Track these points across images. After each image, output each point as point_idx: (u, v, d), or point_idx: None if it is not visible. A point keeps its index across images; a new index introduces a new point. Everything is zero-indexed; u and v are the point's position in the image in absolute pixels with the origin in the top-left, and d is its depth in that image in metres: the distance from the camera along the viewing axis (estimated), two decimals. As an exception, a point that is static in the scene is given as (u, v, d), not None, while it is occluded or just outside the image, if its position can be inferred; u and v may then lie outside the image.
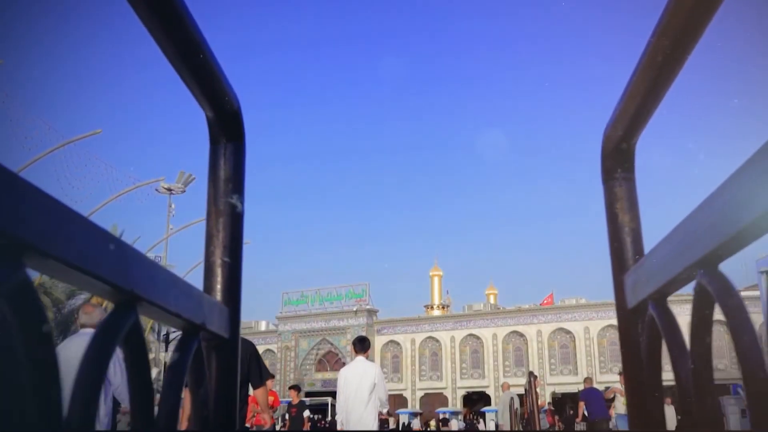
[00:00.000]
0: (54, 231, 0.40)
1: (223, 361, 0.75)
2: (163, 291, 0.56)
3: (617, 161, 0.92)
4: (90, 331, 4.39)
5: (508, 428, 12.66)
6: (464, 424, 41.44)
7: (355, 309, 49.35)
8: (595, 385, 15.20)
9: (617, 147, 0.91)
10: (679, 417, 0.70)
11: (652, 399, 0.84)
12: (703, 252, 0.63)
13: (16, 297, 0.37)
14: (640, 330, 0.86)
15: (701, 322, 0.67)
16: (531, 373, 12.18)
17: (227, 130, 0.83)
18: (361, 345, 6.63)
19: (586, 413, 13.20)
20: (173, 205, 33.14)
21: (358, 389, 6.26)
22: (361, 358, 6.54)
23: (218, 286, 0.79)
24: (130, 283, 0.50)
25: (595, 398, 13.16)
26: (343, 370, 6.75)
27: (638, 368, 0.86)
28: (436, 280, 54.41)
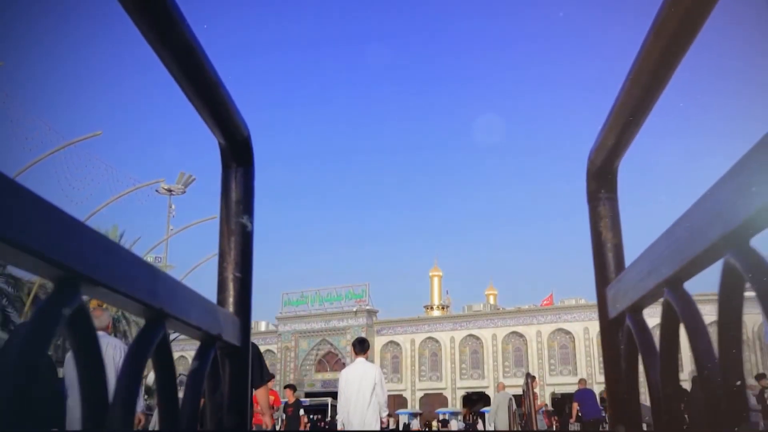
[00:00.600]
0: (102, 262, 0.47)
1: (236, 368, 0.83)
2: (186, 307, 0.63)
3: (601, 183, 0.99)
4: (102, 333, 4.49)
5: (502, 428, 12.74)
6: (464, 425, 41.51)
7: (354, 309, 49.44)
8: (595, 386, 15.28)
9: (601, 169, 0.99)
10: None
11: (629, 402, 0.91)
12: (670, 272, 0.70)
13: (75, 320, 0.44)
14: (619, 339, 0.93)
15: (668, 336, 0.74)
16: (528, 374, 12.26)
17: (238, 156, 0.90)
18: (361, 346, 6.74)
19: (580, 413, 13.34)
20: (173, 206, 33.24)
21: (359, 390, 6.38)
22: (361, 359, 6.66)
23: (230, 299, 0.86)
24: (159, 302, 0.57)
25: (589, 399, 13.31)
26: (344, 372, 6.88)
27: (617, 374, 0.93)
28: (435, 280, 54.52)
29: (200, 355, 0.72)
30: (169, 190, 32.87)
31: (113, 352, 4.50)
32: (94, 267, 0.46)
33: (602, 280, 0.97)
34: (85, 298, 0.47)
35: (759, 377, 13.40)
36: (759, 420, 12.67)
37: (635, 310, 0.85)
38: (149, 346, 0.56)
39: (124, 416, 0.49)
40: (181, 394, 0.67)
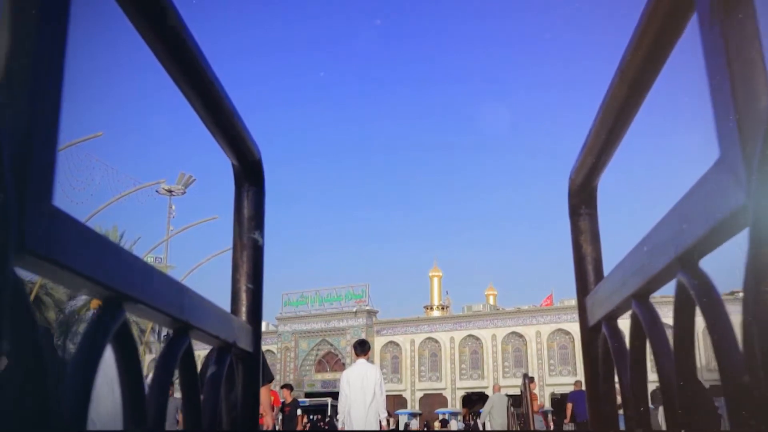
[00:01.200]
0: (141, 283, 0.55)
1: (248, 372, 0.91)
2: (207, 319, 0.72)
3: (581, 200, 1.08)
4: None
5: (496, 428, 12.82)
6: (463, 425, 41.58)
7: (354, 310, 49.51)
8: (590, 387, 15.31)
9: (581, 187, 1.07)
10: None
11: (606, 401, 1.00)
12: (637, 287, 0.79)
13: (120, 334, 0.52)
14: (597, 345, 1.02)
15: (636, 344, 0.83)
16: (525, 375, 12.32)
17: (250, 177, 0.99)
18: (362, 348, 6.91)
19: (574, 414, 13.46)
20: (173, 207, 33.33)
21: (360, 391, 6.54)
22: (362, 360, 6.83)
23: (243, 308, 0.95)
24: (186, 316, 0.65)
25: (583, 400, 13.35)
26: (345, 372, 7.07)
27: (595, 376, 1.02)
28: (435, 280, 54.59)
29: (218, 361, 0.80)
30: (170, 191, 32.98)
31: None
32: (134, 287, 0.54)
33: (582, 290, 1.06)
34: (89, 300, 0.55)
35: (756, 377, 13.47)
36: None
37: (610, 319, 0.94)
38: (177, 354, 0.65)
39: (159, 418, 0.57)
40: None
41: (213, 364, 0.80)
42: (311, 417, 35.08)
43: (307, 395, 45.74)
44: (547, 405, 39.42)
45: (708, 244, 0.57)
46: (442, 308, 52.85)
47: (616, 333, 0.93)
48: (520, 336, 46.72)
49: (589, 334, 1.05)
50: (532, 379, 13.02)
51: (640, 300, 0.80)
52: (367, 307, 49.63)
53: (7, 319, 0.37)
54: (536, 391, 15.32)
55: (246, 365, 0.90)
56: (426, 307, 53.45)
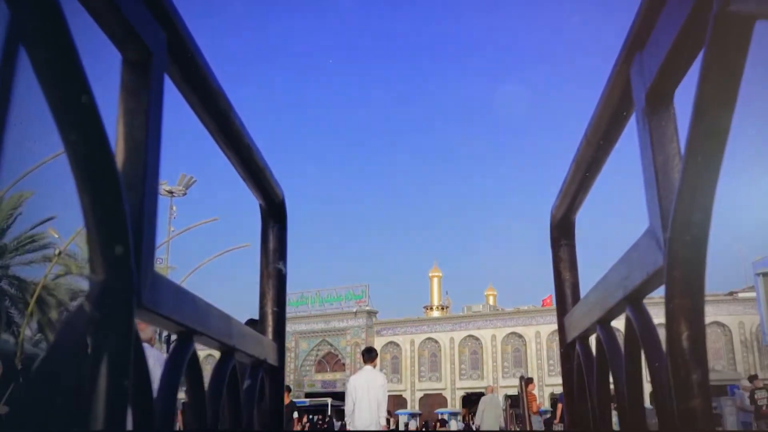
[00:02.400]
0: (204, 319, 0.72)
1: (275, 383, 1.08)
2: (246, 342, 0.88)
3: (561, 232, 1.24)
4: (146, 345, 4.80)
5: (488, 428, 13.01)
6: (463, 425, 41.75)
7: (354, 310, 49.72)
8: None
9: (561, 222, 1.24)
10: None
11: (580, 406, 1.16)
12: (600, 314, 0.95)
13: (190, 364, 0.68)
14: (573, 358, 1.18)
15: (600, 361, 0.99)
16: (522, 377, 12.49)
17: (274, 215, 1.15)
18: (369, 355, 7.30)
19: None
20: (174, 208, 33.50)
21: (365, 396, 6.87)
22: (369, 367, 7.16)
23: (270, 329, 1.11)
24: (233, 342, 0.81)
25: None
26: (352, 378, 7.50)
27: (571, 385, 1.18)
28: (435, 281, 54.78)
29: (252, 375, 0.97)
30: (171, 192, 33.19)
31: (152, 362, 4.78)
32: (201, 323, 0.71)
33: (561, 311, 1.22)
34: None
35: (751, 378, 13.65)
36: (751, 420, 12.93)
37: (582, 338, 1.11)
38: (225, 374, 0.81)
39: (215, 420, 0.74)
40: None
41: (247, 378, 0.96)
42: (311, 417, 35.24)
43: (307, 395, 45.95)
44: (547, 405, 39.62)
45: (645, 290, 0.74)
46: (442, 308, 53.04)
47: (587, 350, 1.10)
48: (520, 336, 46.95)
49: (566, 348, 1.22)
50: (530, 380, 13.17)
51: (603, 325, 0.96)
52: (367, 308, 49.84)
53: (130, 357, 0.54)
54: (535, 391, 15.51)
55: (273, 377, 1.07)
56: (426, 308, 53.65)
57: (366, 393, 6.94)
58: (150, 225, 0.59)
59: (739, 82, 0.50)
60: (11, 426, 0.47)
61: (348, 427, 7.18)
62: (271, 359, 1.05)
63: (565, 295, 1.24)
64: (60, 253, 23.39)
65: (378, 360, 7.68)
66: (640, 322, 0.77)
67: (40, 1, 0.47)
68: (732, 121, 0.51)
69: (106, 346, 0.51)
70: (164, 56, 0.60)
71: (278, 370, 1.08)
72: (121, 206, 0.53)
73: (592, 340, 1.11)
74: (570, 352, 1.19)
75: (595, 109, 0.87)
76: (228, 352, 0.83)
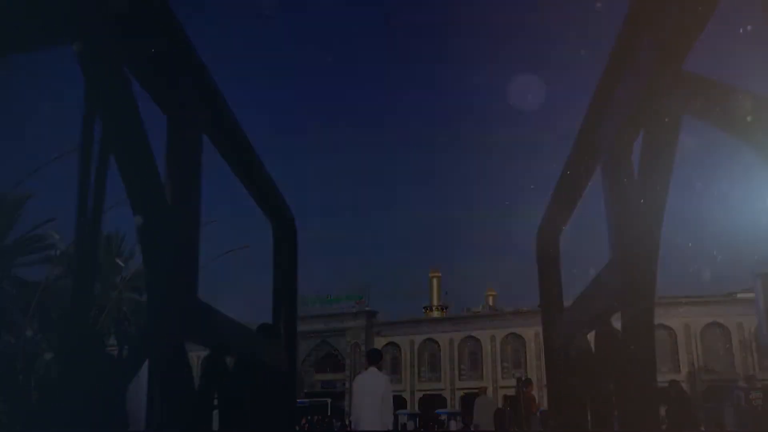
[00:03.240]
0: (234, 337, 0.84)
1: (288, 387, 1.20)
2: (266, 354, 1.00)
3: (547, 251, 1.36)
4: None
5: (482, 428, 13.14)
6: (462, 425, 41.82)
7: (354, 311, 49.81)
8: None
9: (546, 241, 1.36)
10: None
11: (564, 402, 1.29)
12: (579, 326, 1.08)
13: (220, 373, 0.81)
14: (557, 363, 1.31)
15: (579, 366, 1.11)
16: (519, 379, 12.61)
17: (285, 235, 1.28)
18: (373, 357, 7.49)
19: None
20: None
21: (369, 397, 7.05)
22: (373, 369, 7.34)
23: (282, 339, 1.24)
24: (260, 354, 0.94)
25: None
26: (357, 379, 7.74)
27: (556, 385, 1.31)
28: (435, 281, 54.87)
29: (267, 380, 1.09)
30: (171, 193, 33.23)
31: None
32: (231, 340, 0.83)
33: (546, 322, 1.35)
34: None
35: (748, 379, 13.77)
36: (748, 419, 13.05)
37: (563, 346, 1.23)
38: (244, 380, 0.93)
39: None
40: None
41: (264, 382, 1.09)
42: (310, 417, 35.36)
43: (307, 395, 46.06)
44: (546, 405, 39.67)
45: (610, 312, 0.86)
46: (442, 309, 53.14)
47: (568, 356, 1.22)
48: (519, 337, 47.04)
49: (551, 354, 1.34)
50: (529, 382, 13.27)
51: (581, 335, 1.09)
52: (367, 308, 49.94)
53: (183, 372, 0.66)
54: (534, 393, 15.60)
55: (287, 381, 1.19)
56: (425, 308, 53.74)
57: (369, 394, 7.13)
58: (191, 257, 0.71)
59: (673, 154, 0.62)
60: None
61: (353, 427, 7.35)
62: (285, 365, 1.17)
63: (551, 305, 1.37)
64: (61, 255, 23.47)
65: (382, 362, 7.89)
66: (607, 338, 0.90)
67: (114, 82, 0.60)
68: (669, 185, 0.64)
69: (162, 361, 0.63)
70: (205, 121, 0.73)
71: (291, 375, 1.21)
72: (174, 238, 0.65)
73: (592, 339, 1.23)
74: (556, 356, 1.31)
75: (571, 151, 1.00)
76: (252, 363, 0.95)
